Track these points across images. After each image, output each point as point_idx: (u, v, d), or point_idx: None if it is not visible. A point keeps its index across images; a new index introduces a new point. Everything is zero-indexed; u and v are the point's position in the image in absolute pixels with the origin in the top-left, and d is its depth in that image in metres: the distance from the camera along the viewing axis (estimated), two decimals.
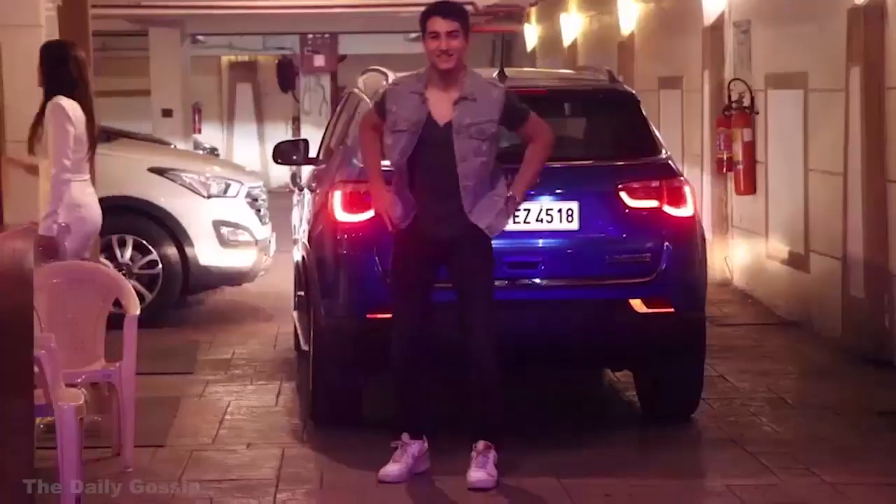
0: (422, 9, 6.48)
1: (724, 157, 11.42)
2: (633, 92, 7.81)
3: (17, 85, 8.84)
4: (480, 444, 6.37)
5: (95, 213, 7.46)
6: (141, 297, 9.40)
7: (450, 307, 6.46)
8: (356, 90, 8.18)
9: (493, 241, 6.56)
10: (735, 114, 11.27)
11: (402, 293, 6.51)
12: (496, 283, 6.63)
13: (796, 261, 10.33)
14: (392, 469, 6.44)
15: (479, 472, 6.31)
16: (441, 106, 6.33)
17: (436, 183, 6.32)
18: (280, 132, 24.85)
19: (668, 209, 7.11)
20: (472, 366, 6.41)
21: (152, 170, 10.69)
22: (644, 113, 7.55)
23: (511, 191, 6.40)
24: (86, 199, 7.39)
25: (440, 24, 6.29)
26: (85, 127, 7.33)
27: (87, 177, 7.46)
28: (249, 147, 26.27)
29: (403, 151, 6.33)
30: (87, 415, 6.63)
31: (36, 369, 5.59)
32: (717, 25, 12.09)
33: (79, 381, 6.43)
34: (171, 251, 10.45)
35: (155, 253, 10.42)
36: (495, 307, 6.42)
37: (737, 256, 11.86)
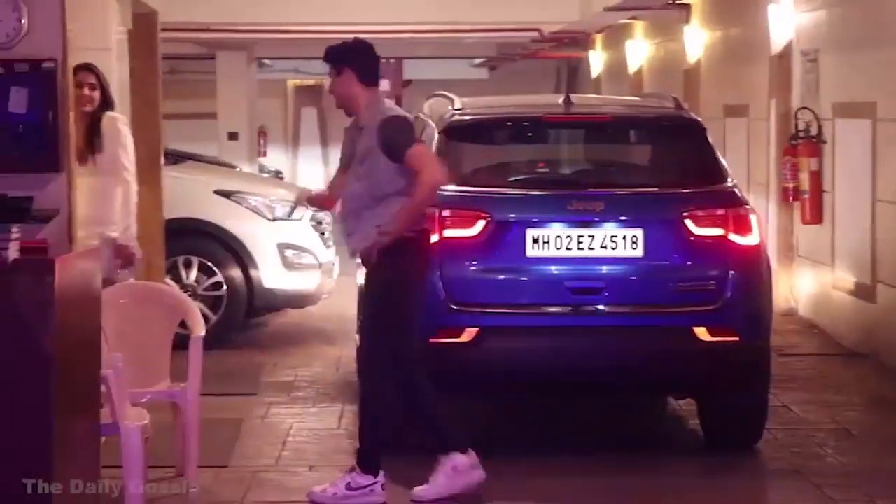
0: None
1: (791, 187, 11.34)
2: (700, 119, 7.79)
3: None
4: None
5: None
6: (206, 318, 9.46)
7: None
8: (421, 115, 8.22)
9: (555, 267, 6.74)
10: (802, 143, 11.20)
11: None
12: (558, 309, 6.81)
13: (863, 291, 10.24)
14: (421, 489, 6.45)
15: (422, 486, 6.38)
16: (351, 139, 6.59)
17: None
18: None
19: (733, 237, 7.08)
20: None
21: (218, 192, 10.78)
22: (710, 140, 7.53)
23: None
24: None
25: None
26: None
27: None
28: (314, 170, 26.42)
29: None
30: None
31: (102, 388, 5.65)
32: (785, 54, 12.04)
33: (144, 400, 6.48)
34: (236, 273, 10.52)
35: (220, 275, 10.49)
36: (379, 327, 6.40)
37: (802, 286, 11.77)
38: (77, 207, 7.16)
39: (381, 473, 6.39)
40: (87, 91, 7.51)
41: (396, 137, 6.33)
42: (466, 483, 6.41)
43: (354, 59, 6.45)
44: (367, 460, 6.41)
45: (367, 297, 6.53)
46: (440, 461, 6.43)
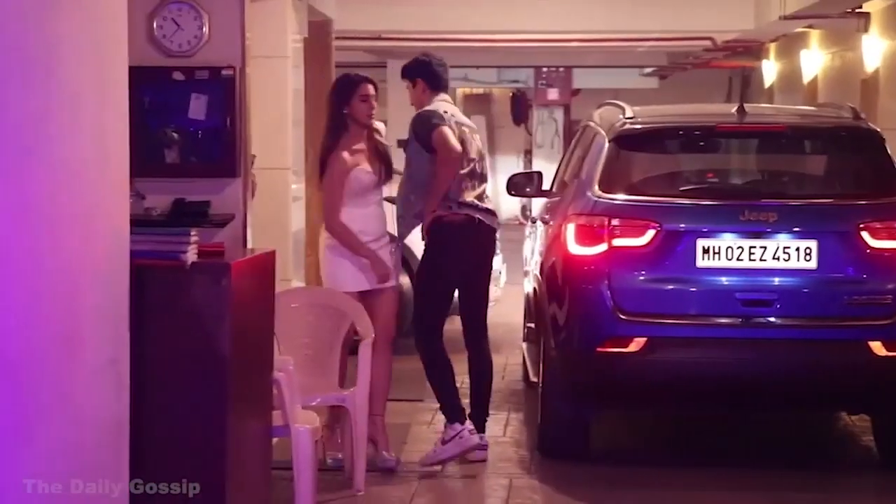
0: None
1: None
2: (878, 130, 7.62)
3: (264, 115, 9.12)
4: None
5: None
6: None
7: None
8: (592, 123, 8.19)
9: (726, 278, 6.88)
10: None
11: None
12: (728, 320, 6.83)
13: None
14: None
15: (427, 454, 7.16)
16: None
17: None
18: (512, 164, 25.01)
19: None
20: None
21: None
22: (889, 151, 7.36)
23: None
24: None
25: None
26: None
27: None
28: None
29: None
30: (331, 452, 6.85)
31: (274, 391, 5.75)
32: None
33: (314, 404, 6.57)
34: (404, 280, 10.55)
35: None
36: (419, 305, 7.39)
37: None
38: (372, 224, 7.29)
39: (468, 421, 7.12)
40: (374, 103, 7.17)
41: (421, 126, 7.09)
42: (464, 449, 7.07)
43: (423, 71, 7.30)
44: (449, 413, 7.14)
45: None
46: (445, 428, 7.12)
